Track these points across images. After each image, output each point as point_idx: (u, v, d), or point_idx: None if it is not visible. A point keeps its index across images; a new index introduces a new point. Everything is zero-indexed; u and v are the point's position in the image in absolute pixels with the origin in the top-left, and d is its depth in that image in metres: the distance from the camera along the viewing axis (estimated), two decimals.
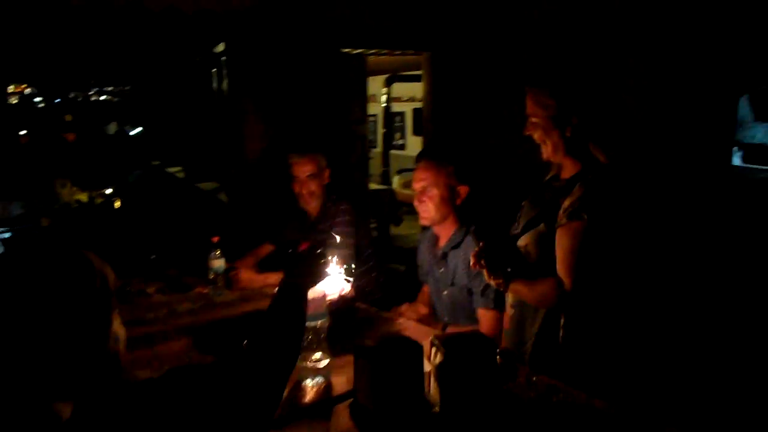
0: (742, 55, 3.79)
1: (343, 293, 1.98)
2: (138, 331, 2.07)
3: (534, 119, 1.70)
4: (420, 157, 2.35)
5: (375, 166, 8.43)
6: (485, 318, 2.21)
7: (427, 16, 4.57)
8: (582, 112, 1.65)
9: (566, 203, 1.63)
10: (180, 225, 4.30)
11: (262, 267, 2.90)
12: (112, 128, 9.99)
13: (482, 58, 4.69)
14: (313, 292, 1.91)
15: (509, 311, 1.89)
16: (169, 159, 7.66)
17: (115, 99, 11.51)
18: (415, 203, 2.32)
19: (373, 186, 6.45)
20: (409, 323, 2.24)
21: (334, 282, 2.00)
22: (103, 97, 11.68)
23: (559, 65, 1.76)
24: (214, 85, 5.60)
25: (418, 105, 9.86)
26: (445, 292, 2.35)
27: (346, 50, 4.63)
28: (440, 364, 1.41)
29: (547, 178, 1.90)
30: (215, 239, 2.53)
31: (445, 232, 2.34)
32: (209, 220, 4.78)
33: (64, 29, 4.78)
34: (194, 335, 2.08)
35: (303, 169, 2.77)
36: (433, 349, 1.44)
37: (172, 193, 6.10)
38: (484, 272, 1.76)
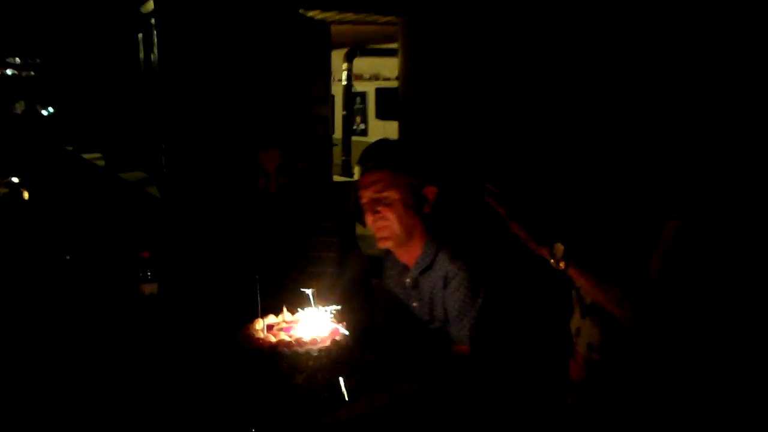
0: None
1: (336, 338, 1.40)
2: None
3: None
4: (365, 158, 1.78)
5: (335, 155, 7.73)
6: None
7: None
8: None
9: None
10: (100, 222, 3.65)
11: None
12: (19, 107, 9.37)
13: (476, 25, 4.01)
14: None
15: (586, 356, 1.36)
16: (85, 144, 6.96)
17: (24, 74, 10.54)
18: (368, 220, 1.76)
19: (336, 178, 5.75)
20: None
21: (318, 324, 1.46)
22: (9, 72, 10.60)
23: None
24: (142, 54, 4.89)
25: (382, 84, 9.01)
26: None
27: (307, 13, 3.92)
28: None
29: None
30: (145, 254, 1.88)
31: (412, 254, 1.79)
32: (136, 218, 4.15)
33: None
34: None
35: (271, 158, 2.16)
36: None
37: (89, 184, 5.52)
38: (528, 240, 1.32)
